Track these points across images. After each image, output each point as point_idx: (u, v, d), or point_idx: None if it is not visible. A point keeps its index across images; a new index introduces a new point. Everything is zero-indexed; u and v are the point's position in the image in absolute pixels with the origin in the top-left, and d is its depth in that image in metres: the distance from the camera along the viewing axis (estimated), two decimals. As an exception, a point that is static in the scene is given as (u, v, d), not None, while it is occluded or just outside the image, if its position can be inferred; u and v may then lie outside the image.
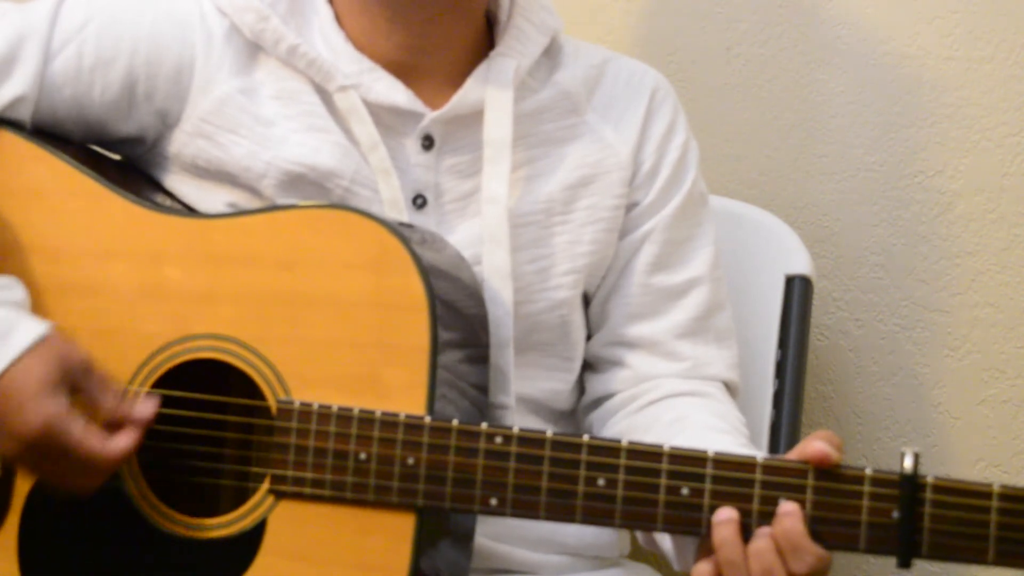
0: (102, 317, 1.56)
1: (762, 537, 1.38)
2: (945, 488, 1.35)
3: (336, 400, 1.48)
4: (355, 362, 1.48)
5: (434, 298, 1.47)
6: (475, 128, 1.65)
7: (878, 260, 2.08)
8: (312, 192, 1.61)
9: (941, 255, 2.05)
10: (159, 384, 1.53)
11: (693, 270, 1.71)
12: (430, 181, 1.65)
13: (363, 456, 1.46)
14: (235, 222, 1.56)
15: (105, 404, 1.50)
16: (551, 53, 1.72)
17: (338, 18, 1.66)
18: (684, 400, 1.67)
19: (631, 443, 1.42)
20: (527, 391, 1.67)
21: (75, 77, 1.62)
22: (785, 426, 1.89)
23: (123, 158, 1.70)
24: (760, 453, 1.42)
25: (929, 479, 1.35)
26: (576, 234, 1.67)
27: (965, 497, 1.35)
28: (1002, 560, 1.34)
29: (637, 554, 1.79)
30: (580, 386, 1.75)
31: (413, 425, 1.45)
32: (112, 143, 1.68)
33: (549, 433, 1.43)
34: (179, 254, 1.56)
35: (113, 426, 1.50)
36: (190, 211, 1.63)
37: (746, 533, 1.39)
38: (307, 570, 1.47)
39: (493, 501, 1.44)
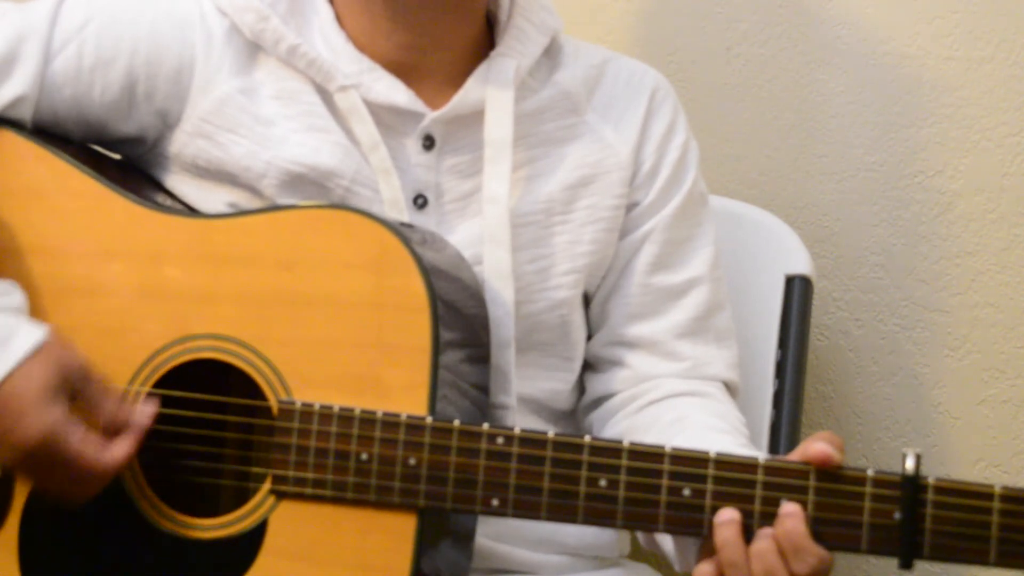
0: (102, 317, 1.56)
1: (764, 538, 1.38)
2: (947, 489, 1.35)
3: (337, 400, 1.48)
4: (356, 362, 1.48)
5: (435, 298, 1.47)
6: (476, 128, 1.65)
7: (878, 260, 2.08)
8: (312, 192, 1.61)
9: (941, 255, 2.05)
10: (160, 384, 1.53)
11: (693, 270, 1.71)
12: (431, 181, 1.65)
13: (364, 456, 1.46)
14: (236, 222, 1.56)
15: (104, 409, 1.50)
16: (551, 53, 1.72)
17: (338, 18, 1.66)
18: (684, 400, 1.67)
19: (633, 444, 1.42)
20: (527, 391, 1.67)
21: (75, 77, 1.62)
22: (785, 426, 1.89)
23: (123, 158, 1.70)
24: (761, 454, 1.42)
25: (931, 480, 1.35)
26: (576, 234, 1.67)
27: (967, 498, 1.35)
28: (1004, 561, 1.34)
29: (637, 554, 1.79)
30: (580, 386, 1.75)
31: (415, 425, 1.45)
32: (112, 143, 1.68)
33: (551, 434, 1.43)
34: (179, 254, 1.55)
35: (111, 431, 1.49)
36: (190, 211, 1.63)
37: (748, 534, 1.38)
38: (308, 570, 1.47)
39: (495, 502, 1.44)
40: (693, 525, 1.41)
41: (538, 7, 1.71)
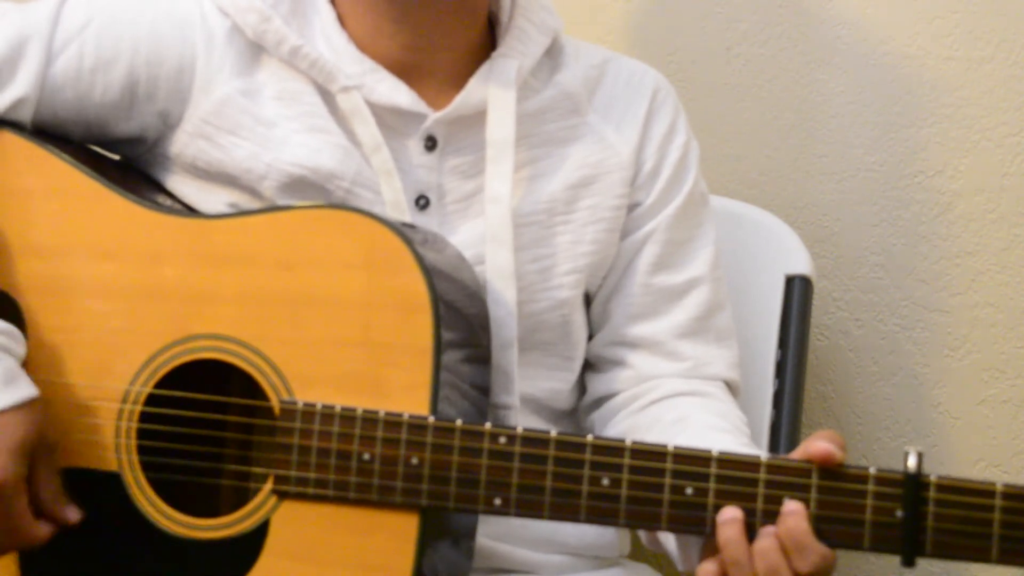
0: (103, 318, 1.56)
1: (767, 536, 1.38)
2: (949, 487, 1.35)
3: (339, 400, 1.47)
4: (357, 362, 1.48)
5: (437, 298, 1.47)
6: (478, 129, 1.65)
7: (878, 260, 2.08)
8: (313, 194, 1.61)
9: (941, 255, 2.05)
10: (161, 384, 1.53)
11: (694, 270, 1.71)
12: (433, 182, 1.65)
13: (367, 456, 1.46)
14: (236, 222, 1.56)
15: (47, 489, 1.52)
16: (552, 53, 1.72)
17: (340, 19, 1.66)
18: (685, 400, 1.67)
19: (635, 443, 1.42)
20: (528, 390, 1.67)
21: (76, 78, 1.62)
22: (785, 426, 1.89)
23: (123, 158, 1.70)
24: (763, 452, 1.42)
25: (933, 478, 1.35)
26: (578, 234, 1.67)
27: (968, 496, 1.35)
28: (1005, 559, 1.35)
29: (637, 554, 1.79)
30: (580, 386, 1.75)
31: (417, 425, 1.45)
32: (113, 143, 1.68)
33: (553, 433, 1.43)
34: (180, 254, 1.55)
35: (40, 511, 1.52)
36: (191, 211, 1.63)
37: (750, 532, 1.39)
38: (310, 570, 1.47)
39: (497, 501, 1.44)
40: (696, 524, 1.41)
41: (539, 7, 1.71)
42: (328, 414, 1.47)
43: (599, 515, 1.42)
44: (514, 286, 1.61)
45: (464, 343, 1.53)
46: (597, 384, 1.72)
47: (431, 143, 1.64)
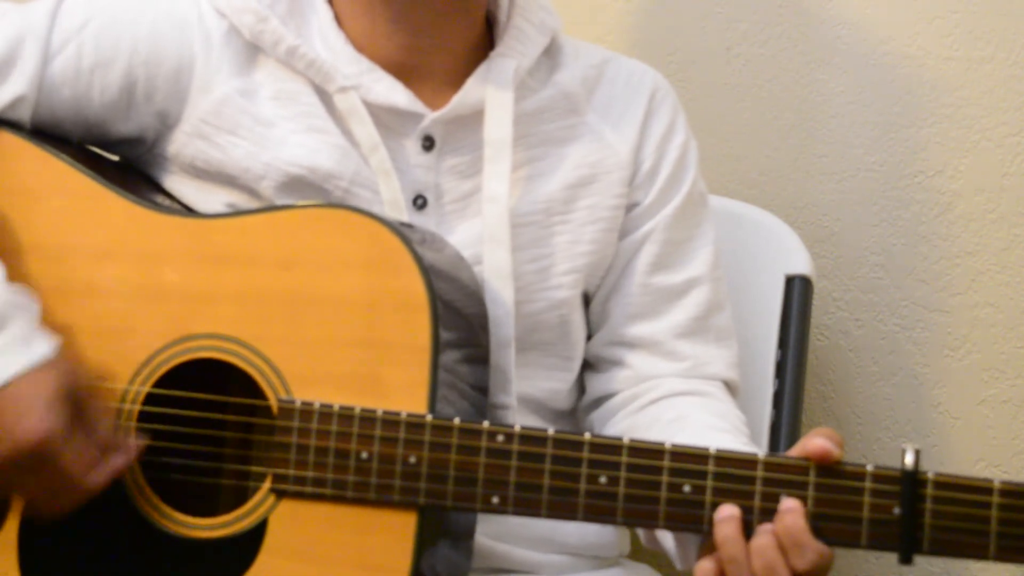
0: (102, 317, 1.56)
1: (764, 534, 1.38)
2: (946, 484, 1.35)
3: (337, 399, 1.47)
4: (356, 361, 1.48)
5: (435, 298, 1.47)
6: (475, 128, 1.65)
7: (878, 260, 2.08)
8: (311, 194, 1.61)
9: (941, 255, 2.05)
10: (160, 384, 1.53)
11: (693, 270, 1.71)
12: (430, 182, 1.65)
13: (365, 455, 1.46)
14: (235, 222, 1.56)
15: (100, 431, 1.50)
16: (551, 53, 1.72)
17: (338, 19, 1.66)
18: (684, 399, 1.67)
19: (633, 441, 1.42)
20: (527, 391, 1.67)
21: (74, 77, 1.62)
22: (785, 426, 1.89)
23: (122, 159, 1.70)
24: (761, 451, 1.42)
25: (930, 475, 1.35)
26: (576, 234, 1.67)
27: (966, 493, 1.35)
28: (1003, 556, 1.34)
29: (637, 554, 1.79)
30: (579, 386, 1.75)
31: (415, 424, 1.45)
32: (111, 143, 1.68)
33: (551, 431, 1.43)
34: (179, 254, 1.55)
35: (101, 454, 1.50)
36: (190, 211, 1.63)
37: (748, 530, 1.39)
38: (308, 569, 1.47)
39: (495, 499, 1.44)
40: (693, 522, 1.40)
41: (537, 7, 1.71)
42: (326, 413, 1.47)
43: (597, 513, 1.42)
44: (512, 286, 1.61)
45: (463, 343, 1.53)
46: (596, 384, 1.72)
47: (429, 143, 1.65)
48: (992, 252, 2.03)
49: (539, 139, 1.68)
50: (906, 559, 1.36)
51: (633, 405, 1.68)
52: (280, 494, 1.48)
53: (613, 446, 1.42)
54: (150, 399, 1.53)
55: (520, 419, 1.64)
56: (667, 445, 1.41)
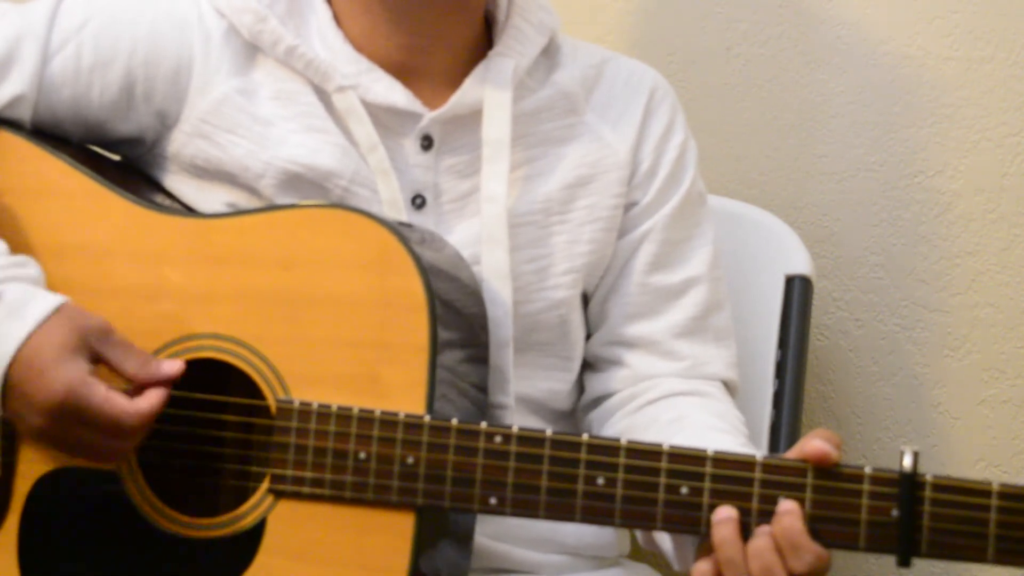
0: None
1: (762, 536, 1.37)
2: (944, 487, 1.35)
3: (335, 399, 1.48)
4: (354, 361, 1.48)
5: (434, 297, 1.47)
6: (474, 128, 1.65)
7: (878, 260, 2.08)
8: (311, 192, 1.61)
9: (941, 255, 2.05)
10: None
11: (691, 269, 1.71)
12: (429, 181, 1.65)
13: (362, 455, 1.46)
14: (235, 222, 1.56)
15: (128, 367, 1.49)
16: (549, 53, 1.72)
17: (337, 19, 1.66)
18: (683, 399, 1.67)
19: (630, 442, 1.42)
20: (526, 391, 1.67)
21: (74, 77, 1.62)
22: (785, 426, 1.89)
23: (122, 158, 1.70)
24: (761, 452, 1.42)
25: (928, 478, 1.35)
26: (575, 234, 1.67)
27: (964, 495, 1.35)
28: (1001, 559, 1.34)
29: (637, 554, 1.79)
30: (579, 386, 1.74)
31: (412, 424, 1.45)
32: (111, 143, 1.69)
33: (548, 432, 1.43)
34: (179, 254, 1.56)
35: (137, 387, 1.49)
36: (190, 211, 1.63)
37: (745, 532, 1.38)
38: (307, 569, 1.47)
39: (493, 500, 1.44)
40: (691, 523, 1.40)
41: (536, 7, 1.71)
42: (324, 413, 1.47)
43: (595, 514, 1.42)
44: (510, 286, 1.61)
45: (463, 343, 1.53)
46: (595, 384, 1.72)
47: (427, 142, 1.65)
48: (992, 252, 2.03)
49: (537, 139, 1.68)
50: (904, 562, 1.36)
51: (632, 405, 1.68)
52: (278, 494, 1.48)
53: (611, 447, 1.42)
54: (149, 399, 1.53)
55: (519, 419, 1.64)
56: (664, 446, 1.41)
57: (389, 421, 1.45)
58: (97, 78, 1.62)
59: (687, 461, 1.40)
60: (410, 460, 1.45)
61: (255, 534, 1.49)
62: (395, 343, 1.47)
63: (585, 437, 1.42)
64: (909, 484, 1.35)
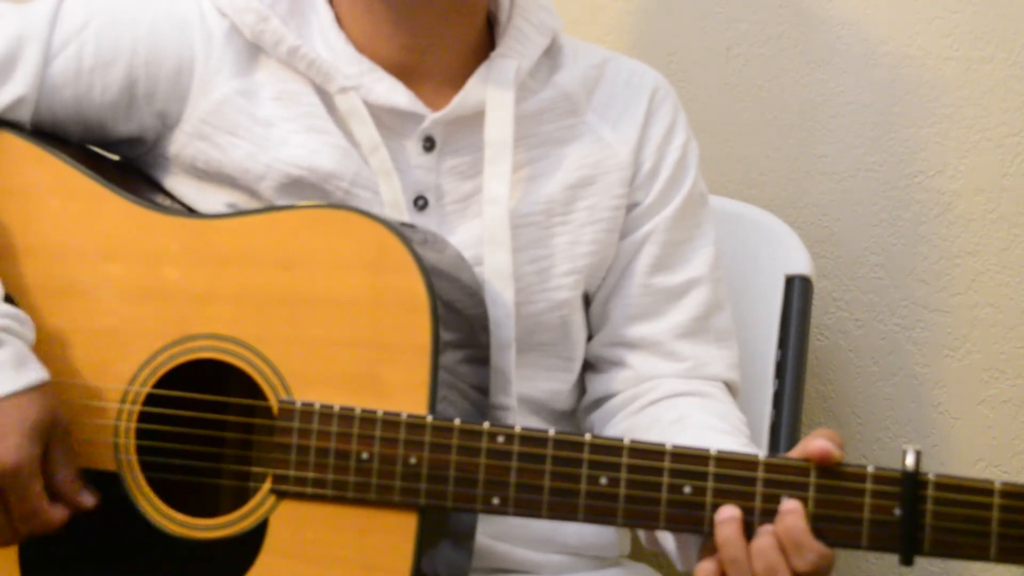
0: (102, 318, 1.56)
1: (765, 535, 1.38)
2: (947, 485, 1.35)
3: (337, 400, 1.47)
4: (356, 362, 1.48)
5: (435, 298, 1.47)
6: (476, 129, 1.65)
7: (878, 260, 2.08)
8: (312, 194, 1.61)
9: (941, 255, 2.05)
10: (160, 384, 1.53)
11: (693, 270, 1.71)
12: (431, 182, 1.65)
13: (365, 456, 1.46)
14: (235, 222, 1.56)
15: (61, 474, 1.51)
16: (551, 54, 1.72)
17: (339, 19, 1.66)
18: (685, 400, 1.66)
19: (633, 442, 1.42)
20: (527, 391, 1.67)
21: (75, 78, 1.62)
22: (785, 426, 1.89)
23: (122, 159, 1.70)
24: (763, 452, 1.42)
25: (931, 476, 1.35)
26: (576, 234, 1.67)
27: (967, 494, 1.35)
28: (1004, 557, 1.34)
29: (637, 554, 1.79)
30: (580, 387, 1.74)
31: (415, 424, 1.45)
32: (112, 144, 1.68)
33: (551, 432, 1.43)
34: (179, 254, 1.55)
35: (57, 495, 1.51)
36: (190, 211, 1.63)
37: (749, 531, 1.39)
38: (309, 570, 1.47)
39: (495, 500, 1.44)
40: (694, 523, 1.41)
41: (538, 8, 1.71)
42: (326, 414, 1.47)
43: (597, 514, 1.42)
44: (512, 287, 1.61)
45: (464, 344, 1.53)
46: (596, 385, 1.72)
47: (429, 143, 1.64)
48: (992, 252, 2.03)
49: (539, 140, 1.68)
50: (907, 560, 1.36)
51: (633, 406, 1.68)
52: (280, 495, 1.48)
53: (613, 447, 1.42)
54: (150, 400, 1.53)
55: (521, 420, 1.64)
56: (667, 446, 1.41)
57: (392, 421, 1.45)
58: (98, 78, 1.62)
59: (690, 461, 1.40)
60: (413, 460, 1.45)
61: (257, 534, 1.49)
62: (396, 343, 1.47)
63: (588, 437, 1.42)
64: (912, 483, 1.35)
